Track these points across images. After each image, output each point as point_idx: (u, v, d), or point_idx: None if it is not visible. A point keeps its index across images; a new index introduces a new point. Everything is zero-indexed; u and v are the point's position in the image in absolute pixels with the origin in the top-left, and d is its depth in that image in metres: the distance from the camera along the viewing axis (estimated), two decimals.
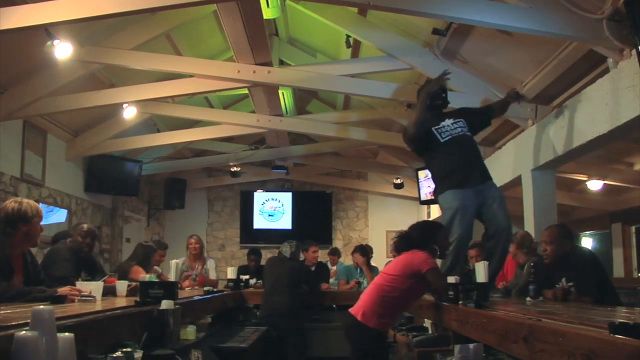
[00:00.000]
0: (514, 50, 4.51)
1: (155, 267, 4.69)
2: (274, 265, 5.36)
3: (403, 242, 3.30)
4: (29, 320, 1.46)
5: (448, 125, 3.86)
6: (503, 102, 4.24)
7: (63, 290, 2.65)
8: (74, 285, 2.88)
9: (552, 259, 3.33)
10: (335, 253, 7.04)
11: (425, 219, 8.48)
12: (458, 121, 3.89)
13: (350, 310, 3.25)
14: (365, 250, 6.24)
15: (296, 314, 5.11)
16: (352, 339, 3.26)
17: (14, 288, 2.65)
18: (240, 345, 3.93)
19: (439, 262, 3.42)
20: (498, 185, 4.03)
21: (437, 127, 3.86)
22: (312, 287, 5.45)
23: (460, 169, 3.77)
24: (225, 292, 5.02)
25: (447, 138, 3.82)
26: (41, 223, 2.91)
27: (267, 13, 4.49)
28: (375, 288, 3.22)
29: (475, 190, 3.72)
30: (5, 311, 2.05)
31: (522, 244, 3.92)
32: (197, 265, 5.51)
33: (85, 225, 3.94)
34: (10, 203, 2.84)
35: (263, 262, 6.58)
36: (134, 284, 3.35)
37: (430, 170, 4.21)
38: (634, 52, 3.08)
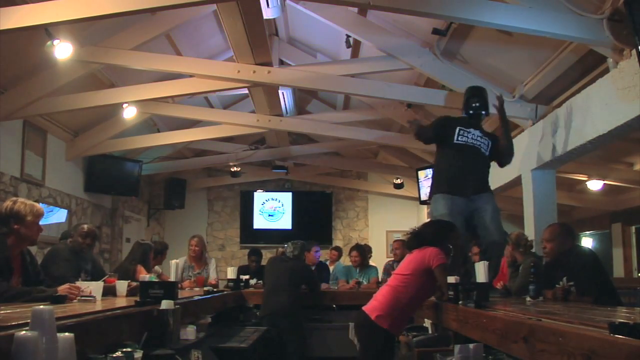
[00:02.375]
0: (514, 50, 4.51)
1: (156, 267, 4.69)
2: (275, 265, 5.36)
3: (415, 239, 3.28)
4: (29, 320, 1.46)
5: (472, 133, 3.88)
6: (500, 115, 4.09)
7: (62, 288, 2.65)
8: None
9: (552, 256, 3.33)
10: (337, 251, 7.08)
11: (426, 221, 8.48)
12: (485, 138, 3.92)
13: (364, 308, 3.21)
14: (362, 250, 6.24)
15: (296, 314, 5.10)
16: (364, 338, 3.24)
17: (14, 288, 2.65)
18: (240, 345, 3.93)
19: None
20: (498, 185, 4.04)
21: (463, 127, 3.89)
22: (313, 288, 5.44)
23: (455, 177, 3.83)
24: (225, 292, 5.02)
25: (460, 141, 3.86)
26: (41, 223, 2.91)
27: (267, 13, 4.49)
28: (390, 290, 3.18)
29: (466, 199, 3.77)
30: (5, 311, 2.05)
31: (517, 244, 3.93)
32: (192, 264, 5.49)
33: (85, 226, 3.92)
34: (6, 202, 2.86)
35: (264, 262, 6.58)
36: (134, 283, 3.35)
37: (434, 167, 4.25)
38: (634, 52, 3.08)
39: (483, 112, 4.01)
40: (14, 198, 2.93)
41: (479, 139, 3.90)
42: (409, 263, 3.19)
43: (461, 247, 3.73)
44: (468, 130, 3.90)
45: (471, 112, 3.99)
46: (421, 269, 3.09)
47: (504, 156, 4.04)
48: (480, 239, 3.91)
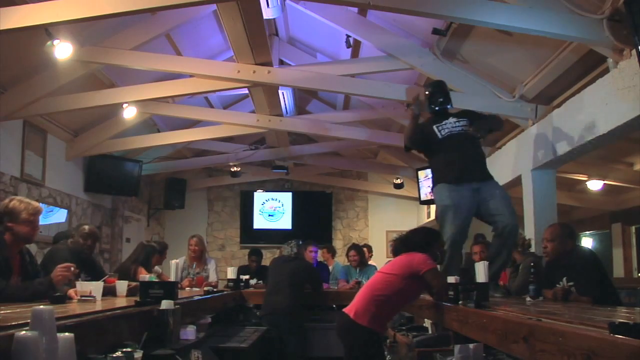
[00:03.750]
0: (514, 50, 4.51)
1: (156, 267, 4.68)
2: (278, 265, 5.35)
3: (402, 245, 3.30)
4: (29, 320, 1.46)
5: (450, 123, 3.85)
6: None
7: (55, 274, 2.64)
8: (74, 285, 2.88)
9: (551, 256, 3.33)
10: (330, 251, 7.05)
11: (425, 221, 8.50)
12: (461, 120, 3.86)
13: (344, 309, 3.25)
14: (360, 249, 6.24)
15: (296, 314, 5.10)
16: (345, 338, 3.24)
17: (13, 285, 2.66)
18: (240, 345, 3.93)
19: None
20: None
21: (438, 124, 3.86)
22: (316, 288, 5.44)
23: (456, 164, 3.71)
24: (225, 292, 5.02)
25: (445, 134, 3.81)
26: (41, 223, 2.92)
27: (267, 13, 4.49)
28: (368, 287, 3.23)
29: (472, 188, 3.65)
30: (5, 311, 2.05)
31: (515, 244, 3.93)
32: (194, 264, 5.49)
33: (87, 227, 3.88)
34: (4, 201, 2.87)
35: (264, 262, 6.58)
36: (134, 283, 3.35)
37: (430, 167, 4.20)
38: (634, 52, 3.08)
39: (448, 106, 3.97)
40: (13, 197, 2.93)
41: (456, 124, 3.84)
42: (394, 264, 3.23)
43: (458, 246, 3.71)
44: (443, 123, 3.85)
45: (437, 108, 3.94)
46: (406, 272, 3.11)
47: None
48: (492, 225, 3.80)
